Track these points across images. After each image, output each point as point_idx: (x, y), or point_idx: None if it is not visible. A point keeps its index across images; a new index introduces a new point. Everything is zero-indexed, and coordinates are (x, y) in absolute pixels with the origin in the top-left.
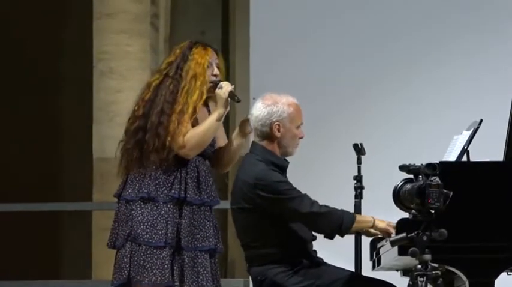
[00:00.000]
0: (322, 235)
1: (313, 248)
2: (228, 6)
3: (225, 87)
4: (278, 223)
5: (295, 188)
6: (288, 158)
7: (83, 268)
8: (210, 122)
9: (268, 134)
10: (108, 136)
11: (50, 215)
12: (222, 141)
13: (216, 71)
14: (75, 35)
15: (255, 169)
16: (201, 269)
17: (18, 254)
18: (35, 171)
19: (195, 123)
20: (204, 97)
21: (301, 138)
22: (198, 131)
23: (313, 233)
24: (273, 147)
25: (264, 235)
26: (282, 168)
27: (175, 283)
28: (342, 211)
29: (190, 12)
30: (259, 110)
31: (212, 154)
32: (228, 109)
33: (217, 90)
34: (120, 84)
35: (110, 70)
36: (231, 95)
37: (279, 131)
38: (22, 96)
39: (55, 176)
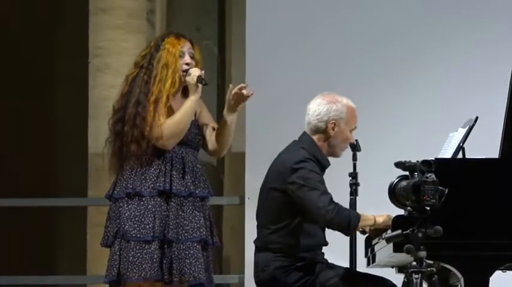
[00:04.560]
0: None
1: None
2: (224, 2)
3: (193, 73)
4: (298, 216)
5: (323, 185)
6: None
7: (77, 263)
8: (184, 110)
9: (322, 130)
10: (104, 132)
11: (45, 211)
12: (210, 126)
13: (188, 60)
14: (71, 31)
15: (298, 153)
16: (193, 261)
17: (12, 250)
18: (30, 167)
19: (170, 112)
20: (177, 85)
21: (351, 143)
22: (173, 121)
23: (326, 240)
24: (322, 144)
25: (281, 221)
26: (323, 167)
27: (165, 277)
28: (349, 210)
29: (186, 8)
30: (318, 105)
31: (200, 142)
32: (200, 94)
33: (187, 77)
34: (116, 80)
35: (105, 66)
36: (199, 79)
37: (333, 130)
38: (18, 92)
39: (50, 171)
